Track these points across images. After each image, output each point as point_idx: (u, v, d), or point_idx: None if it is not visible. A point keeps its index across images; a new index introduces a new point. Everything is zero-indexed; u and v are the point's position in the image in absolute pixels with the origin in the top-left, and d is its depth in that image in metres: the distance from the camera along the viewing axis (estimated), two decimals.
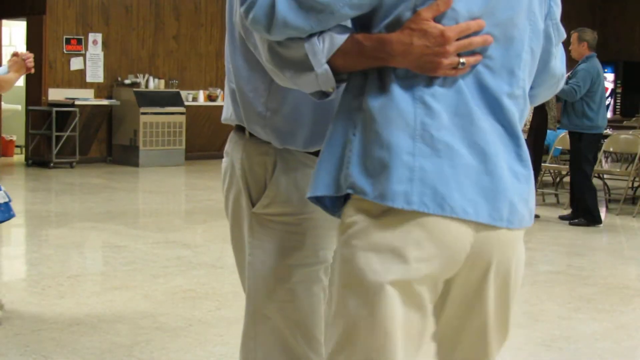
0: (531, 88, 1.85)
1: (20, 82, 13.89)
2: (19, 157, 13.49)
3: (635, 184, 9.75)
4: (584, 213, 8.01)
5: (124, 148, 12.67)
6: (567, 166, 9.82)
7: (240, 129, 2.14)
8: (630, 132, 9.92)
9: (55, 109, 12.08)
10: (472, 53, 1.69)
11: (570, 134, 8.05)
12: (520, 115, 1.77)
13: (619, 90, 18.14)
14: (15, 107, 13.89)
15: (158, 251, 6.25)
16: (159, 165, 12.35)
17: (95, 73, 12.84)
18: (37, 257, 6.10)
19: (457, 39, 1.64)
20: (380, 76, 1.70)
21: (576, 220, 8.05)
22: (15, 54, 4.41)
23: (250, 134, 2.09)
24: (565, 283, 5.65)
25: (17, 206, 8.90)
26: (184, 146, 12.82)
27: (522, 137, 1.75)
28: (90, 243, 6.88)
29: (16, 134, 13.69)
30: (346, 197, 1.76)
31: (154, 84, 13.00)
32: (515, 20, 1.72)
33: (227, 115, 2.19)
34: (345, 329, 1.70)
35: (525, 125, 8.34)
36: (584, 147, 7.90)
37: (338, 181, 1.72)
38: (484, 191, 1.67)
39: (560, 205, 9.18)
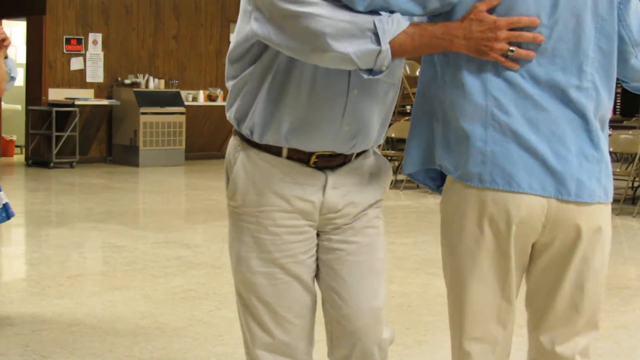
0: (628, 82, 2.18)
1: (20, 82, 13.91)
2: (19, 157, 13.50)
3: (635, 184, 9.75)
4: None
5: (124, 148, 12.67)
6: None
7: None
8: (630, 132, 9.91)
9: (55, 109, 12.08)
10: (519, 45, 1.97)
11: None
12: (596, 105, 2.02)
13: (618, 90, 18.16)
14: (15, 107, 13.89)
15: (158, 251, 6.25)
16: (159, 165, 12.35)
17: (95, 73, 12.84)
18: (37, 257, 6.10)
19: (510, 30, 1.94)
20: (454, 72, 2.01)
21: None
22: None
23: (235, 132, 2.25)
24: None
25: (17, 206, 8.90)
26: (184, 146, 12.82)
27: (595, 123, 2.01)
28: (90, 243, 6.88)
29: (16, 134, 13.69)
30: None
31: (154, 84, 13.00)
32: (582, 25, 1.99)
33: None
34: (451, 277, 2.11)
35: None
36: None
37: (428, 159, 2.12)
38: (550, 170, 1.97)
39: None
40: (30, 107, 12.56)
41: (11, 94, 14.25)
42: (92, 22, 12.79)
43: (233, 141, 2.23)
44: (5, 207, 4.27)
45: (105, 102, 12.60)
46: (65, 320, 4.38)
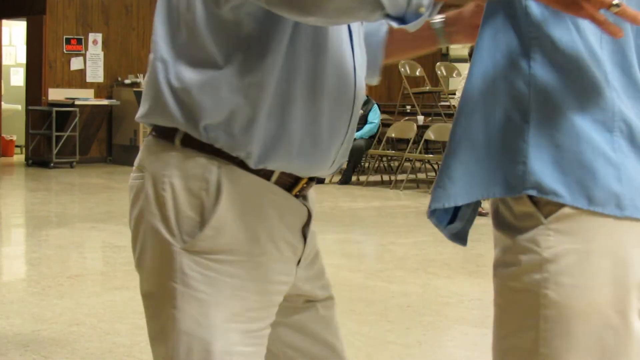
0: None
1: (21, 82, 13.93)
2: (19, 157, 13.50)
3: None
4: None
5: (124, 148, 12.67)
6: None
7: (167, 134, 1.53)
8: None
9: (55, 109, 12.08)
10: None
11: None
12: None
13: None
14: (15, 107, 13.90)
15: None
16: None
17: (95, 73, 12.84)
18: (37, 257, 6.10)
19: None
20: (552, 45, 1.35)
21: None
22: None
23: (185, 141, 1.51)
24: None
25: (17, 206, 8.92)
26: None
27: None
28: (90, 243, 6.88)
29: (16, 134, 13.69)
30: (454, 214, 1.48)
31: None
32: None
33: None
34: None
35: None
36: None
37: (505, 180, 1.37)
38: None
39: None
40: (30, 107, 12.56)
41: (11, 94, 14.28)
42: (92, 22, 12.79)
43: (198, 159, 1.48)
44: None
45: (105, 102, 12.60)
46: (65, 320, 4.38)
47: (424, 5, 1.29)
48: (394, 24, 1.31)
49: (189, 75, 1.46)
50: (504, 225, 1.42)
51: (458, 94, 8.67)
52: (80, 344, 4.00)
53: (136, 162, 1.56)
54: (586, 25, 1.32)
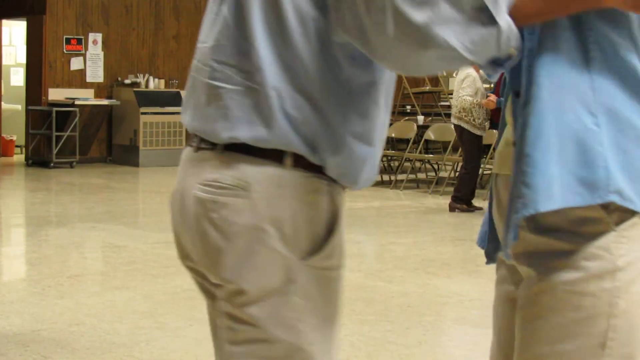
0: None
1: (21, 82, 13.93)
2: (19, 157, 13.50)
3: None
4: None
5: (124, 148, 12.67)
6: None
7: (275, 156, 1.52)
8: None
9: (55, 109, 12.08)
10: None
11: None
12: None
13: None
14: (15, 107, 13.90)
15: (158, 251, 6.25)
16: (159, 165, 12.35)
17: (95, 73, 12.84)
18: (37, 257, 6.10)
19: None
20: (612, 51, 1.36)
21: None
22: None
23: (297, 163, 1.52)
24: None
25: (17, 206, 8.92)
26: (184, 146, 12.79)
27: None
28: (90, 243, 6.88)
29: (16, 134, 13.69)
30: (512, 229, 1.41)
31: (154, 84, 13.00)
32: None
33: (254, 133, 1.52)
34: None
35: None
36: None
37: (586, 185, 1.33)
38: None
39: None
40: (30, 107, 12.56)
41: (11, 94, 14.28)
42: (92, 22, 12.79)
43: (310, 179, 1.52)
44: None
45: (105, 102, 12.60)
46: (65, 320, 4.38)
47: (513, 46, 1.33)
48: (490, 72, 1.38)
49: (306, 105, 1.49)
50: (549, 229, 1.39)
51: (456, 94, 8.67)
52: (80, 344, 4.00)
53: (227, 179, 1.53)
54: None
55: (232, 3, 1.52)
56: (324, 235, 1.53)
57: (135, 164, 12.40)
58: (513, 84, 1.45)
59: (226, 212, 1.52)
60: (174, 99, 12.80)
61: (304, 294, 1.53)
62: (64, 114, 12.12)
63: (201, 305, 5.25)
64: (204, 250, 1.59)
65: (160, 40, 13.44)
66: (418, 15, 1.30)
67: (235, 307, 1.58)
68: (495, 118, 8.33)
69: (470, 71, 8.40)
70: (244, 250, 1.52)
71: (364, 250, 7.06)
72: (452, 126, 8.90)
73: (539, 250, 1.41)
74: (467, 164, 8.51)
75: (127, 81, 12.93)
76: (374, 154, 1.58)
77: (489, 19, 1.31)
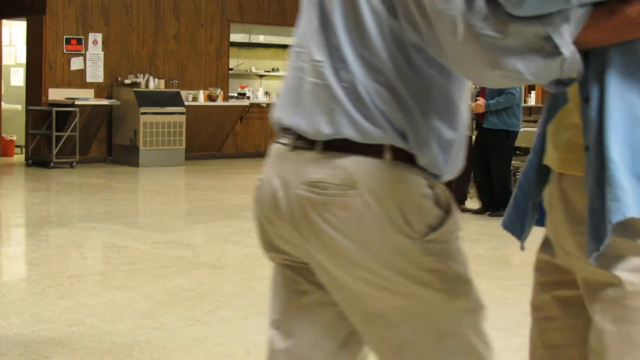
0: None
1: (21, 82, 13.92)
2: (19, 157, 13.50)
3: None
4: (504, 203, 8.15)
5: (124, 148, 12.67)
6: None
7: (375, 150, 1.62)
8: None
9: (55, 109, 12.08)
10: None
11: (498, 132, 8.19)
12: None
13: None
14: (15, 107, 13.90)
15: (158, 251, 6.25)
16: (159, 165, 12.35)
17: (95, 73, 12.84)
18: (37, 257, 6.10)
19: None
20: None
21: (488, 213, 8.29)
22: None
23: (395, 156, 1.62)
24: None
25: (17, 206, 8.92)
26: (184, 146, 12.82)
27: None
28: (90, 243, 6.88)
29: (16, 134, 13.69)
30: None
31: (154, 84, 13.00)
32: None
33: (338, 129, 1.62)
34: None
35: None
36: (511, 144, 8.30)
37: None
38: None
39: None
40: (30, 107, 12.56)
41: (11, 94, 14.27)
42: (92, 22, 12.79)
43: (411, 170, 1.63)
44: None
45: (105, 102, 12.60)
46: (65, 320, 4.38)
47: (576, 70, 1.47)
48: (552, 88, 1.53)
49: (392, 100, 1.60)
50: (636, 233, 1.49)
51: None
52: (80, 344, 4.00)
53: (333, 178, 1.62)
54: None
55: (318, 6, 1.66)
56: (436, 220, 1.64)
57: (135, 164, 12.40)
58: (582, 91, 1.53)
59: (339, 212, 1.61)
60: (174, 99, 12.80)
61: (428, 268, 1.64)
62: (64, 114, 12.11)
63: (201, 305, 5.26)
64: (323, 249, 1.66)
65: (160, 40, 13.44)
66: (488, 44, 1.44)
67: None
68: (480, 119, 8.38)
69: None
70: (365, 242, 1.62)
71: None
72: None
73: (627, 255, 1.50)
74: None
75: (127, 81, 12.93)
76: (459, 139, 1.67)
77: (553, 48, 1.44)
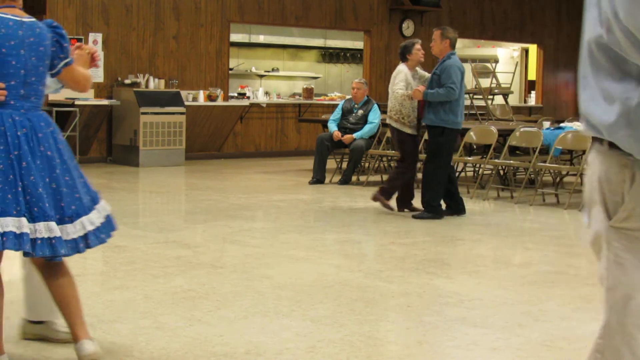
0: None
1: None
2: None
3: None
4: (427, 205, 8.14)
5: (124, 148, 12.67)
6: (567, 166, 9.82)
7: (599, 139, 1.96)
8: None
9: (55, 108, 12.08)
10: None
11: (434, 128, 8.01)
12: None
13: None
14: None
15: (158, 251, 6.25)
16: (159, 165, 12.36)
17: (95, 73, 12.84)
18: None
19: None
20: None
21: (421, 213, 8.10)
22: (79, 47, 4.04)
23: (610, 145, 1.91)
24: (565, 283, 5.65)
25: None
26: (184, 146, 12.82)
27: None
28: None
29: None
30: None
31: (154, 84, 13.01)
32: None
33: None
34: None
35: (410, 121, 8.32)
36: (447, 142, 8.01)
37: None
38: None
39: (560, 205, 9.17)
40: None
41: None
42: (92, 22, 12.80)
43: (620, 156, 1.89)
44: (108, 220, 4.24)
45: (105, 102, 12.61)
46: None
47: None
48: None
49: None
50: None
51: (390, 92, 8.58)
52: None
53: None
54: None
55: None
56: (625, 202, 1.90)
57: (135, 164, 12.40)
58: None
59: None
60: (174, 99, 12.80)
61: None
62: (64, 114, 12.12)
63: (201, 305, 5.25)
64: None
65: (160, 40, 13.44)
66: None
67: None
68: (420, 114, 8.24)
69: (402, 67, 8.34)
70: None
71: (364, 250, 7.07)
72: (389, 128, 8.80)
73: None
74: (403, 163, 8.44)
75: (127, 81, 12.93)
76: None
77: None
